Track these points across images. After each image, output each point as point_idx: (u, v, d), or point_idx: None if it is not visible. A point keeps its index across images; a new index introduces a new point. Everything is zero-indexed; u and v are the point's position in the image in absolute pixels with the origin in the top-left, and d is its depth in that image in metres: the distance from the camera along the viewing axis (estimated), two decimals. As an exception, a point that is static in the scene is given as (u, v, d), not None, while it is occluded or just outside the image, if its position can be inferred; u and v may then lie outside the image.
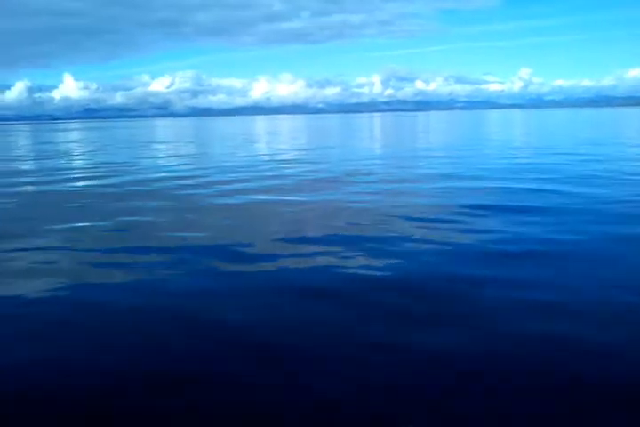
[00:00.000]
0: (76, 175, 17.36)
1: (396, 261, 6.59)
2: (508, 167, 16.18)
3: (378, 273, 6.12)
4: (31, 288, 5.89)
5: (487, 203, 10.30)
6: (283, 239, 7.82)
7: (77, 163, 23.58)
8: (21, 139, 60.41)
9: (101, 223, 9.31)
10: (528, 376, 3.76)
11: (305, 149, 26.95)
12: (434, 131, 52.54)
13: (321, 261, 6.66)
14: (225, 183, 14.15)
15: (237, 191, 12.67)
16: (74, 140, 52.01)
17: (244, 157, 23.06)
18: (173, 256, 7.05)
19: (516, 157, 19.38)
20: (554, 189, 11.66)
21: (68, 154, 30.21)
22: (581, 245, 7.10)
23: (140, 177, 16.10)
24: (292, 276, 6.12)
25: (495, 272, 6.02)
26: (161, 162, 21.83)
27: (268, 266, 6.49)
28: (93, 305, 5.35)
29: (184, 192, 12.83)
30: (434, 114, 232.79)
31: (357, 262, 6.55)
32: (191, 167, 18.78)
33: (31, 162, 24.70)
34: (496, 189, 12.10)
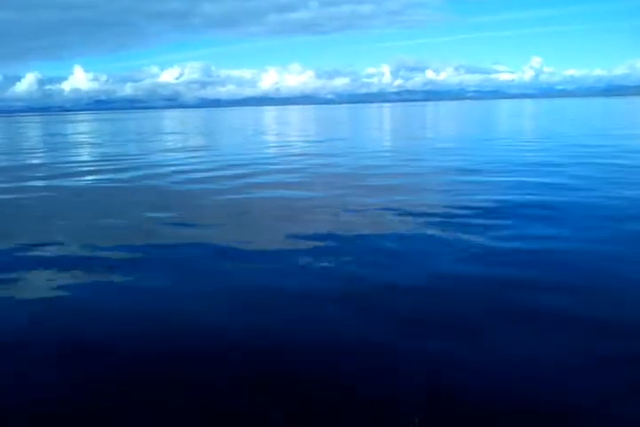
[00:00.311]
0: (86, 168, 17.36)
1: (401, 260, 6.46)
2: (521, 160, 15.98)
3: (383, 273, 6.00)
4: (22, 286, 5.92)
5: (499, 198, 10.17)
6: (286, 238, 7.68)
7: (88, 156, 23.58)
8: (34, 131, 60.59)
9: (109, 220, 9.27)
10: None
11: (315, 142, 26.81)
12: (445, 122, 52.18)
13: (325, 259, 6.54)
14: (235, 178, 14.07)
15: (245, 187, 12.61)
16: (85, 131, 52.12)
17: (254, 150, 22.95)
18: (173, 254, 6.99)
19: (530, 151, 19.15)
20: (568, 184, 11.50)
21: (79, 146, 30.24)
22: (604, 243, 6.96)
23: (150, 171, 16.05)
24: (292, 275, 6.01)
25: (508, 272, 5.91)
26: (170, 155, 21.76)
27: (267, 266, 6.37)
28: (87, 305, 5.30)
29: (192, 187, 12.80)
30: (444, 104, 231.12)
31: (362, 262, 6.41)
32: (200, 160, 18.69)
33: (43, 155, 24.70)
34: (510, 183, 11.94)
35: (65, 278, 6.14)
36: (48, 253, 7.19)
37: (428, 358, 4.04)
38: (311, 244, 7.26)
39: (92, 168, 17.51)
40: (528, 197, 10.12)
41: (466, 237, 7.33)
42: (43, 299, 5.53)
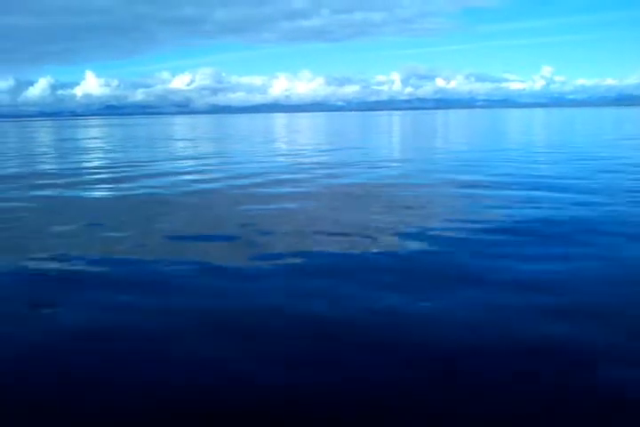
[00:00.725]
0: (97, 176, 17.26)
1: (407, 283, 6.16)
2: (538, 173, 15.68)
3: (386, 297, 5.72)
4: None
5: (515, 213, 9.91)
6: (294, 255, 7.33)
7: (100, 163, 23.50)
8: (47, 135, 60.96)
9: (116, 233, 9.11)
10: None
11: (328, 150, 26.61)
12: (457, 131, 51.96)
13: (327, 280, 6.21)
14: (247, 188, 13.92)
15: (258, 198, 12.43)
16: (98, 137, 52.27)
17: (266, 158, 22.81)
18: (170, 271, 6.78)
19: (545, 163, 18.91)
20: (587, 199, 11.24)
21: (91, 152, 30.20)
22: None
23: (162, 180, 15.94)
24: (288, 297, 5.72)
25: (527, 298, 5.66)
26: (183, 163, 21.65)
27: (265, 286, 6.06)
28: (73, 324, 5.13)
29: (204, 197, 12.69)
30: (454, 112, 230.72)
31: (365, 284, 6.06)
32: (213, 168, 18.50)
33: (56, 161, 24.67)
34: (526, 197, 11.69)
35: (50, 294, 5.97)
36: (44, 266, 7.01)
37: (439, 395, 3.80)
38: (317, 262, 6.92)
39: (103, 176, 17.41)
40: (545, 212, 9.84)
41: (479, 257, 7.04)
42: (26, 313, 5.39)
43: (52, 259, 7.39)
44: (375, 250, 7.46)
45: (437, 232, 8.42)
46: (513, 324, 4.87)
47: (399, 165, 19.03)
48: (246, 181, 14.96)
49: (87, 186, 15.07)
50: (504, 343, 4.51)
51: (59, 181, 16.08)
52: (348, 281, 6.14)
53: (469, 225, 8.88)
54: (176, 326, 4.99)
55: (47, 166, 21.73)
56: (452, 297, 5.56)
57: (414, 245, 7.66)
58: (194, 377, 4.07)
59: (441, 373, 4.05)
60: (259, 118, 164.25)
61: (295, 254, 7.35)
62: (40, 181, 16.13)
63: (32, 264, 7.15)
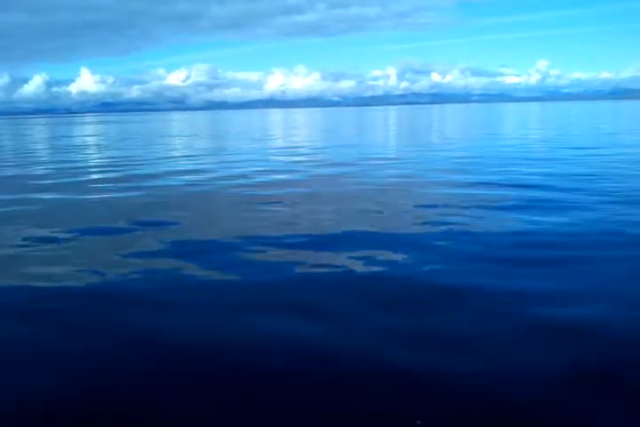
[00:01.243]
0: (94, 177, 17.13)
1: (399, 310, 5.99)
2: (540, 171, 15.49)
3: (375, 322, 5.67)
4: None
5: (530, 219, 9.82)
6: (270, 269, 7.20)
7: (95, 161, 23.35)
8: (43, 133, 60.50)
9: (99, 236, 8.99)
10: None
11: (326, 148, 26.50)
12: (452, 126, 51.80)
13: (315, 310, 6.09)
14: (242, 189, 13.82)
15: (253, 202, 12.33)
16: (94, 134, 51.96)
17: (263, 155, 22.66)
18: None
19: (548, 159, 18.77)
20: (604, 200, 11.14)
21: (86, 150, 30.00)
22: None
23: (154, 183, 15.81)
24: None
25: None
26: (177, 162, 21.47)
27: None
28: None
29: (199, 200, 12.55)
30: (450, 107, 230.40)
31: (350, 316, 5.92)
32: (209, 167, 18.35)
33: (50, 160, 24.43)
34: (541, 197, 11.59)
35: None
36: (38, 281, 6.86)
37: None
38: (303, 286, 6.28)
39: (100, 176, 17.27)
40: (547, 213, 9.66)
41: (481, 262, 6.83)
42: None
43: (52, 270, 7.18)
44: (370, 262, 7.05)
45: (435, 237, 8.19)
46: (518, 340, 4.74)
47: (395, 163, 18.82)
48: (243, 182, 14.82)
49: (84, 187, 14.87)
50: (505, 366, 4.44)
51: (55, 182, 15.92)
52: (336, 295, 5.86)
53: (471, 229, 8.70)
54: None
55: (43, 166, 21.48)
56: (450, 311, 5.35)
57: (413, 254, 7.30)
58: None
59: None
60: (255, 114, 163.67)
61: (289, 263, 7.13)
62: (35, 182, 15.99)
63: (28, 278, 6.79)
